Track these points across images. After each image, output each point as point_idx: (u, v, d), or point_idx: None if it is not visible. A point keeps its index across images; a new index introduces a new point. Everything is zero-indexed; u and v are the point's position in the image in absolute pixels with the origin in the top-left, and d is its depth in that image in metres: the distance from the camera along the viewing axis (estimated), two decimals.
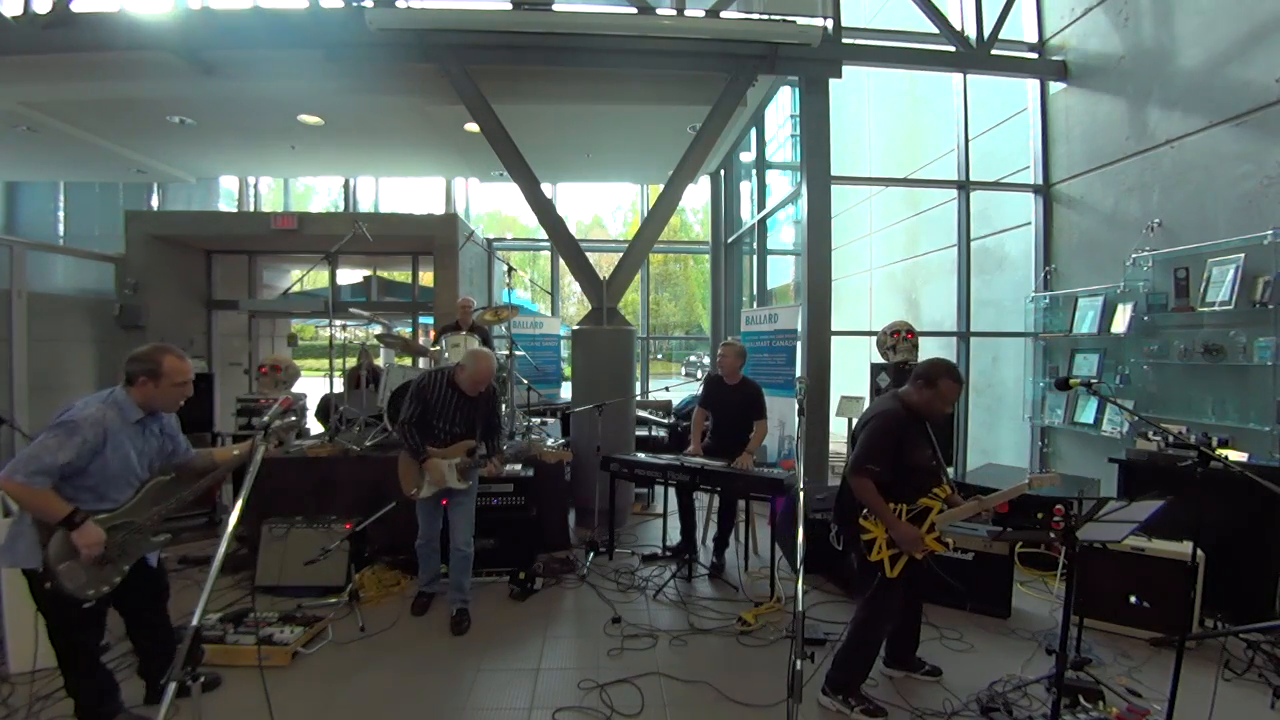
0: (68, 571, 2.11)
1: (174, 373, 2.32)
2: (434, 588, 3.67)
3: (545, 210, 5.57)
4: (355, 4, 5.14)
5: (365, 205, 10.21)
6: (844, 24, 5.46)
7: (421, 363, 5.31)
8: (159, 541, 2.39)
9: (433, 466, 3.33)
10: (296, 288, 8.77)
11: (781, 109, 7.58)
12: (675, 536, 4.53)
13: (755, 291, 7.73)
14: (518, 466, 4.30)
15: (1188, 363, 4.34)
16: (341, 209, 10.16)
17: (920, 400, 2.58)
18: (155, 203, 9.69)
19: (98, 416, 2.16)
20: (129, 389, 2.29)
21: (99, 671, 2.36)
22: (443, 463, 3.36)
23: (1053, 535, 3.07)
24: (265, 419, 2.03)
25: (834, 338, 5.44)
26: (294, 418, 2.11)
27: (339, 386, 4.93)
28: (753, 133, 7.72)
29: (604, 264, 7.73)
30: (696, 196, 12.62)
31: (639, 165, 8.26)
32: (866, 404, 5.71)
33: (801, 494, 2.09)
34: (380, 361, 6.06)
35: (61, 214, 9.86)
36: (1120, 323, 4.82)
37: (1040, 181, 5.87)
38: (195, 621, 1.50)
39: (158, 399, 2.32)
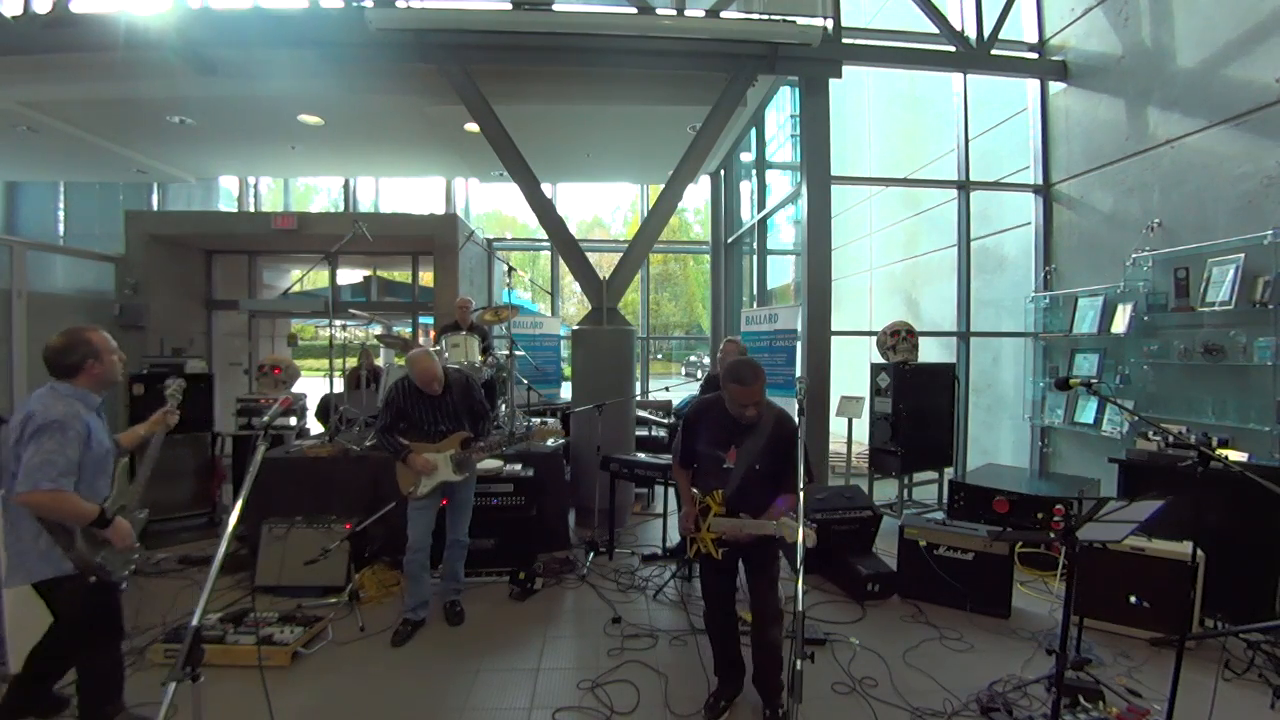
0: (107, 560, 2.17)
1: (106, 344, 2.29)
2: (421, 615, 3.38)
3: (545, 210, 5.57)
4: (355, 4, 5.14)
5: (365, 205, 10.21)
6: (844, 24, 5.46)
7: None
8: (143, 518, 2.43)
9: (419, 460, 3.32)
10: (296, 288, 8.76)
11: (781, 109, 7.58)
12: (675, 536, 4.53)
13: (755, 291, 7.72)
14: (518, 466, 4.30)
15: (1188, 363, 4.33)
16: (341, 209, 10.15)
17: (726, 402, 2.53)
18: (155, 203, 9.69)
19: (73, 411, 2.14)
20: (74, 380, 2.22)
21: (119, 660, 2.40)
22: (435, 456, 3.37)
23: (1053, 535, 3.08)
24: (265, 419, 2.03)
25: (834, 338, 5.44)
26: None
27: (339, 386, 4.93)
28: (753, 133, 7.72)
29: (604, 264, 7.73)
30: (696, 196, 12.62)
31: (639, 165, 8.25)
32: (866, 404, 5.74)
33: (801, 494, 2.08)
34: (380, 361, 6.07)
35: (61, 214, 9.86)
36: (1120, 323, 4.82)
37: (1040, 181, 5.87)
38: (195, 621, 1.50)
39: (107, 374, 2.29)
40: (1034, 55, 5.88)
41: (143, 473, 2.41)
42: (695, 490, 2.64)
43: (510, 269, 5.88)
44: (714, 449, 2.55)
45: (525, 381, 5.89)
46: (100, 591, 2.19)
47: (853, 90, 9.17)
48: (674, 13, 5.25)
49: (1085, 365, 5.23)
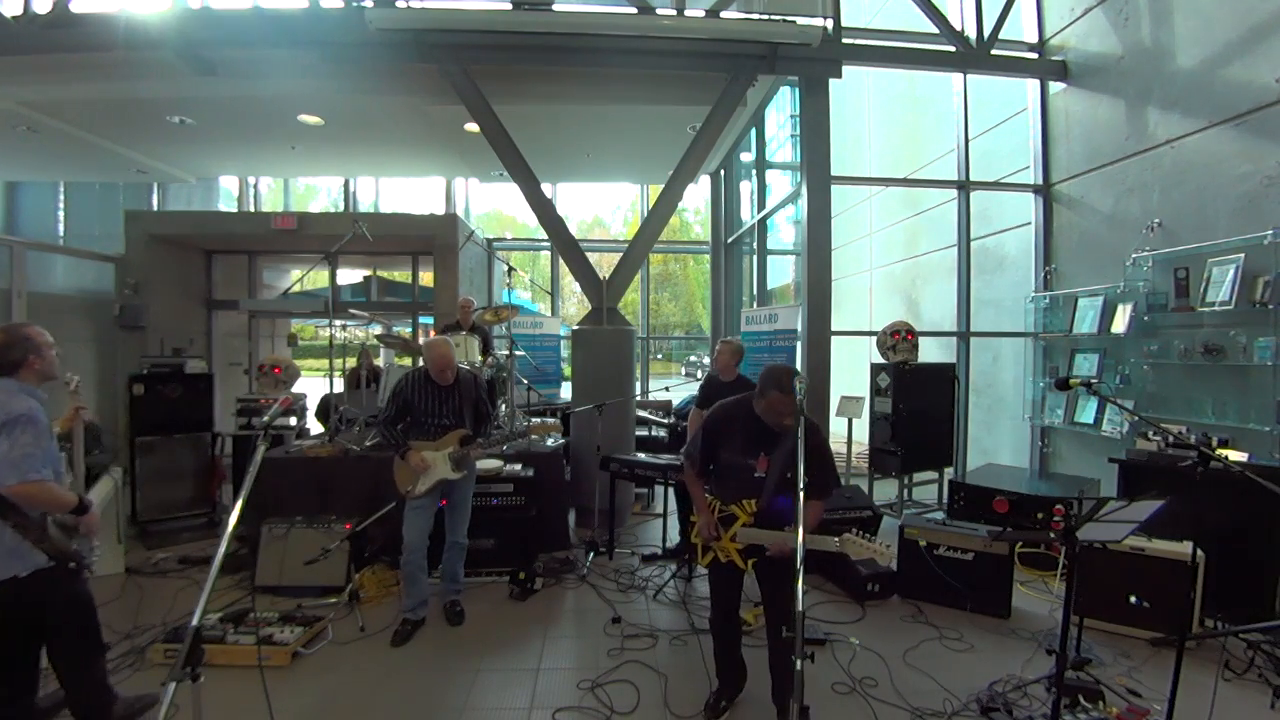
0: (82, 548, 2.23)
1: (44, 339, 2.29)
2: (420, 614, 3.36)
3: (545, 210, 5.57)
4: (355, 4, 5.14)
5: (365, 205, 10.21)
6: (844, 24, 5.46)
7: (421, 363, 5.31)
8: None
9: (416, 457, 3.30)
10: (296, 288, 8.77)
11: (781, 109, 7.58)
12: (675, 536, 4.53)
13: (755, 291, 7.73)
14: (518, 466, 4.30)
15: (1188, 363, 4.33)
16: (341, 209, 10.16)
17: (759, 409, 2.44)
18: (155, 203, 9.69)
19: (35, 405, 2.15)
20: (16, 376, 2.20)
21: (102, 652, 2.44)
22: (433, 453, 3.35)
23: (1053, 535, 3.08)
24: (265, 419, 2.03)
25: (834, 338, 5.44)
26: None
27: (339, 386, 4.93)
28: (753, 133, 7.72)
29: (604, 264, 7.73)
30: (696, 196, 12.63)
31: (639, 165, 8.26)
32: (866, 404, 5.74)
33: (802, 494, 2.08)
34: (380, 361, 6.07)
35: (61, 214, 9.85)
36: (1120, 323, 4.82)
37: (1040, 181, 5.87)
38: (195, 621, 1.49)
39: (47, 369, 2.30)
40: (1034, 55, 5.88)
41: (79, 468, 2.53)
42: (713, 498, 2.59)
43: (510, 269, 5.89)
44: (743, 457, 2.48)
45: (525, 381, 5.89)
46: (78, 578, 2.23)
47: (853, 90, 9.17)
48: (674, 13, 5.25)
49: (1085, 365, 5.23)
